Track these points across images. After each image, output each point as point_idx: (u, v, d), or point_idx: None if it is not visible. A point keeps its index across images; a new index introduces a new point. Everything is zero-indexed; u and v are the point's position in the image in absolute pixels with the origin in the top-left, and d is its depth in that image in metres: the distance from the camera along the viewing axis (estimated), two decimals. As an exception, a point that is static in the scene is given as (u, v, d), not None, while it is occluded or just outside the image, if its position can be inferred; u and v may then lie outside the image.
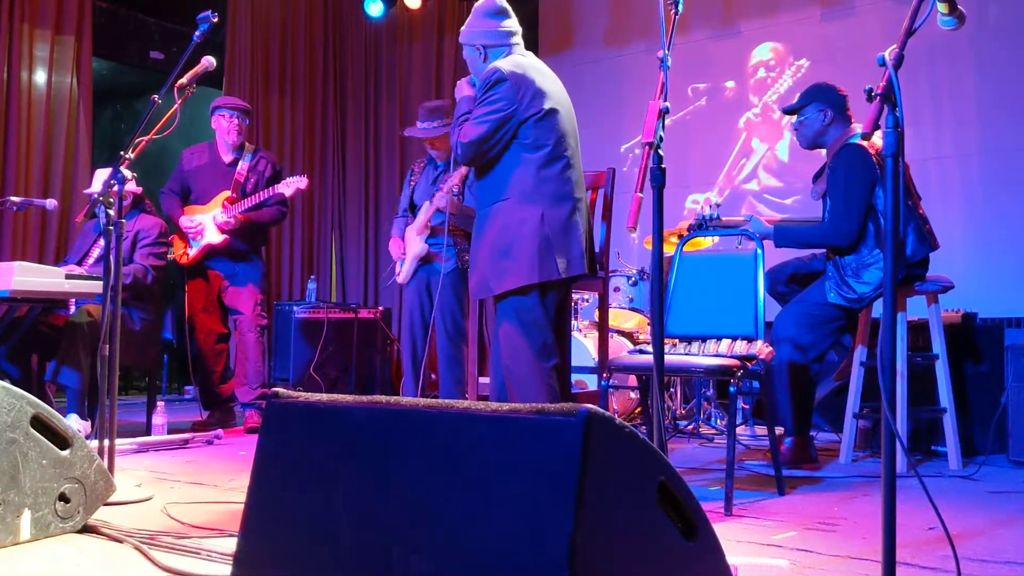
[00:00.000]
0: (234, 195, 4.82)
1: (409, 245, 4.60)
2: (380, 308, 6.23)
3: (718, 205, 4.04)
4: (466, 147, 3.05)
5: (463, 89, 3.23)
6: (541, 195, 3.05)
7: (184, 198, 4.96)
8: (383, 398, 1.49)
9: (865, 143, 3.64)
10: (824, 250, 3.89)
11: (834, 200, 3.65)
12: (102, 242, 4.48)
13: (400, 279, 4.68)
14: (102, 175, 4.48)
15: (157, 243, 4.45)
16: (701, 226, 3.93)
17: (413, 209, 4.69)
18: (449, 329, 4.46)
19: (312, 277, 6.69)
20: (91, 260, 4.47)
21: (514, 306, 3.03)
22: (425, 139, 4.61)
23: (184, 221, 4.82)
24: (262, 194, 4.79)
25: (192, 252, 4.83)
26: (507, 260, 3.02)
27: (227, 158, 4.93)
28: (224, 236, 4.77)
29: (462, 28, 3.26)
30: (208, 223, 4.80)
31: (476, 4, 3.24)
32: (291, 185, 4.75)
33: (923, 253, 3.65)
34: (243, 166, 4.91)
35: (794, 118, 3.93)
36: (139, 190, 4.45)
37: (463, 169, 4.25)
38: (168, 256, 4.76)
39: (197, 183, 4.93)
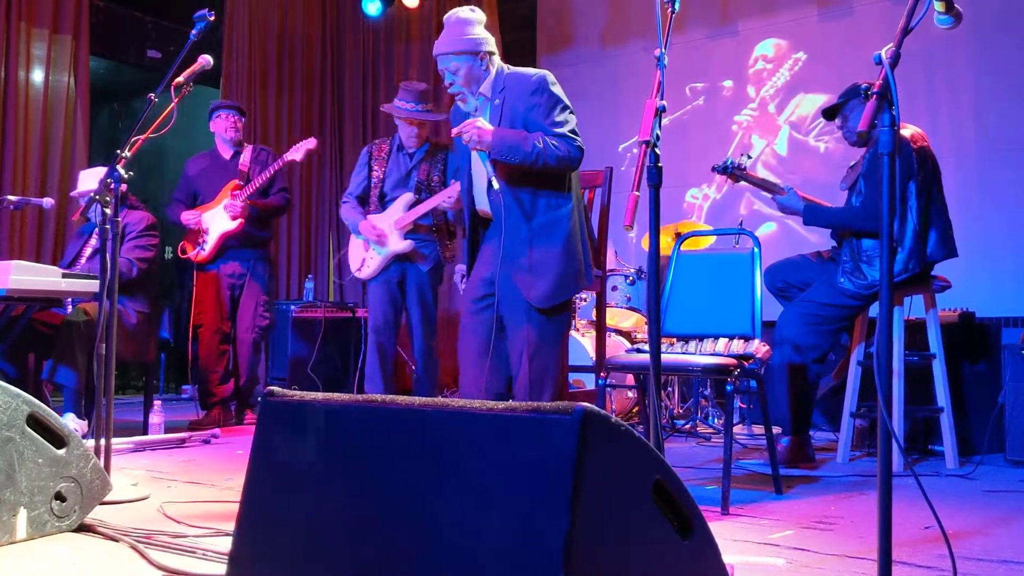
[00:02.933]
0: (240, 183, 4.92)
1: (387, 237, 4.34)
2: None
3: (749, 157, 3.95)
4: (582, 151, 3.06)
5: (485, 128, 3.01)
6: (575, 194, 3.17)
7: (190, 206, 5.04)
8: (378, 397, 1.48)
9: (907, 136, 3.62)
10: (829, 256, 3.90)
11: (870, 185, 3.64)
12: (93, 241, 4.51)
13: (366, 275, 4.41)
14: (86, 176, 4.55)
15: (143, 235, 4.46)
16: (726, 170, 3.88)
17: (382, 198, 4.43)
18: (426, 328, 4.37)
19: (309, 276, 6.69)
20: (83, 260, 4.48)
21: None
22: (413, 120, 4.36)
23: (185, 216, 4.89)
24: (272, 168, 4.86)
25: (207, 247, 4.88)
26: (576, 261, 3.07)
27: (227, 155, 5.05)
28: (238, 221, 4.83)
29: (454, 39, 3.14)
30: (218, 212, 4.88)
31: (462, 15, 3.18)
32: (300, 148, 4.81)
33: (939, 256, 3.62)
34: (245, 157, 5.03)
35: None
36: (123, 187, 4.46)
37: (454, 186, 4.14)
38: (180, 253, 4.89)
39: (203, 185, 5.03)
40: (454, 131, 3.08)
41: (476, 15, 3.22)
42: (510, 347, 3.11)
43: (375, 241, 4.35)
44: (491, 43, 3.18)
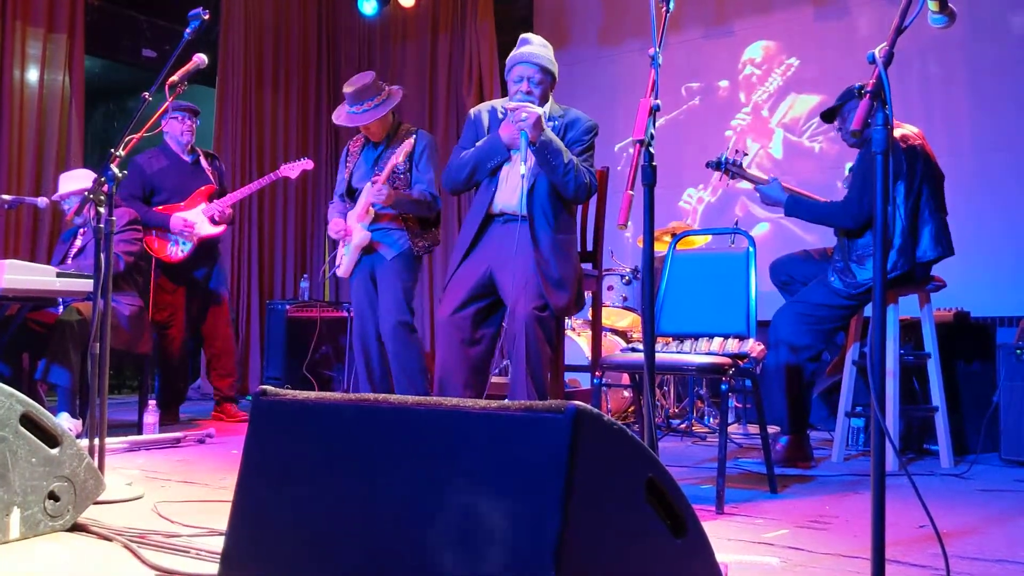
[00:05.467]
0: (216, 188, 5.00)
1: (352, 233, 4.21)
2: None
3: (745, 154, 3.96)
4: (593, 193, 3.45)
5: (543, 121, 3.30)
6: None
7: (147, 202, 4.97)
8: (371, 396, 1.48)
9: (897, 136, 3.63)
10: (828, 253, 3.90)
11: (853, 181, 3.65)
12: (78, 242, 4.52)
13: (341, 272, 4.27)
14: (67, 179, 4.56)
15: (126, 230, 4.46)
16: (719, 166, 3.89)
17: (352, 194, 4.29)
18: (395, 307, 4.09)
19: (305, 276, 6.68)
20: (69, 260, 4.50)
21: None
22: (357, 126, 4.25)
23: (176, 221, 4.84)
24: (263, 180, 4.97)
25: (187, 248, 4.88)
26: (581, 283, 3.45)
27: (187, 158, 5.07)
28: (223, 226, 4.94)
29: (549, 58, 3.44)
30: (199, 217, 4.90)
31: (539, 37, 3.49)
32: (296, 168, 4.90)
33: (932, 255, 3.62)
34: (205, 164, 5.10)
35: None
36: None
37: (395, 160, 4.07)
38: (146, 249, 4.86)
39: (165, 184, 4.97)
40: (512, 105, 3.28)
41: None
42: (513, 344, 3.24)
43: (342, 239, 4.25)
44: None
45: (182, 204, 4.92)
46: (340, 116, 4.25)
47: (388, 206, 4.08)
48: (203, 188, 4.96)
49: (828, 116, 3.89)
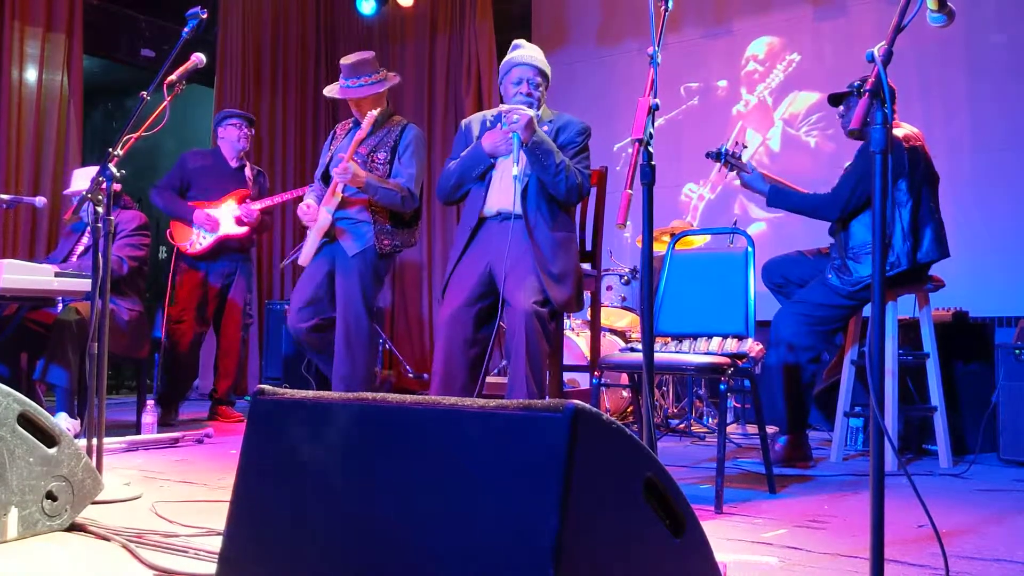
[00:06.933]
0: (251, 193, 5.07)
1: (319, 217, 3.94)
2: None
3: (744, 146, 3.97)
4: (586, 195, 3.48)
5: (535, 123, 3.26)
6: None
7: (180, 195, 5.09)
8: (369, 395, 1.48)
9: (900, 135, 3.62)
10: (827, 253, 3.90)
11: (846, 175, 3.64)
12: (85, 239, 4.52)
13: (301, 260, 3.96)
14: (79, 175, 4.60)
15: (134, 234, 4.48)
16: (719, 157, 3.89)
17: (327, 179, 4.02)
18: (350, 331, 3.85)
19: (304, 276, 6.66)
20: (74, 258, 4.49)
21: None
22: (347, 98, 4.03)
23: (199, 215, 4.94)
24: (296, 192, 5.02)
25: (205, 242, 4.95)
26: (581, 279, 3.44)
27: (233, 163, 5.17)
28: (245, 228, 4.98)
29: (546, 61, 3.48)
30: (225, 215, 4.97)
31: (530, 44, 3.52)
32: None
33: (934, 256, 3.63)
34: (248, 172, 5.18)
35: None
36: (118, 187, 4.48)
37: (360, 133, 3.87)
38: (169, 238, 5.01)
39: (200, 181, 5.08)
40: (505, 108, 3.28)
41: None
42: (513, 339, 3.23)
43: (309, 224, 3.98)
44: None
45: (213, 203, 5.01)
46: (333, 89, 4.07)
47: (357, 188, 3.85)
48: (237, 191, 5.05)
49: (835, 100, 3.88)
